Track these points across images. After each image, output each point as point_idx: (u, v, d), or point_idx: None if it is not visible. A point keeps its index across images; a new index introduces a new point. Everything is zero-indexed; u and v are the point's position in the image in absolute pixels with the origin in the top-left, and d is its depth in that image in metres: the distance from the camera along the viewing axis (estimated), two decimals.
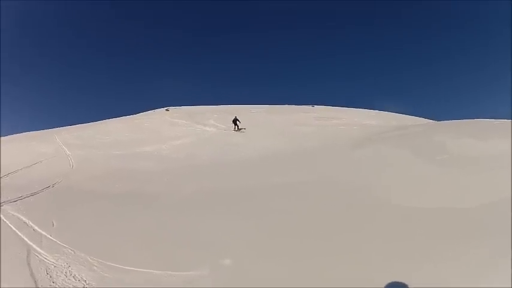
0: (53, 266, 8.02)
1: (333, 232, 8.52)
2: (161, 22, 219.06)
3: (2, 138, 42.67)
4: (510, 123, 15.59)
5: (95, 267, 7.91)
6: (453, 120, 22.43)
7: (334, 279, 6.52)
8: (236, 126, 33.48)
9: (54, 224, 11.17)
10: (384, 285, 5.93)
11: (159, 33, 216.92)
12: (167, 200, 13.74)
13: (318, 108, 50.00)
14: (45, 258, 8.49)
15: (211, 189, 14.67)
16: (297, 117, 38.57)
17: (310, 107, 51.35)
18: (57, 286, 7.12)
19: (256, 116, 40.54)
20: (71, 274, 7.62)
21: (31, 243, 9.51)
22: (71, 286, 7.11)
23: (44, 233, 10.36)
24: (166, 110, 51.54)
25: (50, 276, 7.52)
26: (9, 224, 11.33)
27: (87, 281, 7.30)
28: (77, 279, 7.38)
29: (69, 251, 8.89)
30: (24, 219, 11.73)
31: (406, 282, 5.85)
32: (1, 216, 12.25)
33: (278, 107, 51.23)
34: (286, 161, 19.60)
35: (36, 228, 10.84)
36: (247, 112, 43.22)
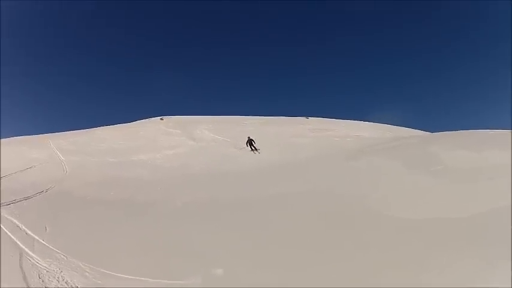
0: (45, 271, 8.00)
1: (327, 243, 8.51)
2: (156, 32, 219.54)
3: None
4: (507, 133, 15.65)
5: (87, 274, 7.89)
6: (447, 132, 22.52)
7: None
8: (252, 147, 29.10)
9: (47, 228, 11.15)
10: None
11: (155, 43, 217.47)
12: (161, 209, 13.78)
13: (313, 119, 50.03)
14: (38, 263, 8.48)
15: (205, 199, 14.64)
16: (291, 129, 38.58)
17: (304, 118, 51.38)
18: None
19: (251, 127, 40.50)
20: (63, 279, 7.61)
21: (23, 247, 9.51)
22: None
23: (36, 237, 10.34)
24: (161, 119, 51.41)
25: (43, 281, 7.52)
26: (2, 227, 11.31)
27: (79, 287, 7.30)
28: (69, 285, 7.37)
29: (62, 256, 8.87)
30: (17, 222, 11.73)
31: None
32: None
33: (272, 119, 51.20)
34: (281, 172, 19.60)
35: (29, 232, 10.84)
36: (241, 123, 43.26)
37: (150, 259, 8.67)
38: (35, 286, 7.30)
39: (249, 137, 30.10)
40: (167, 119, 51.20)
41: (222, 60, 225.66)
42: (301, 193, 13.30)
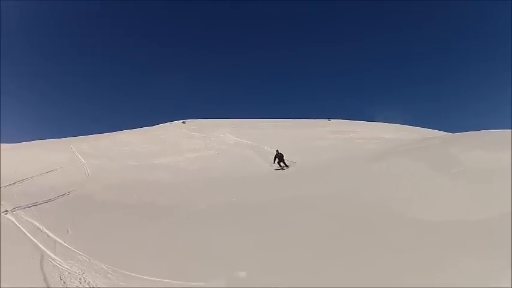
0: (67, 273, 7.94)
1: (348, 246, 8.33)
2: (178, 37, 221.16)
3: (15, 145, 43.03)
4: None
5: (110, 275, 7.83)
6: (468, 132, 22.16)
7: None
8: (282, 163, 24.25)
9: (69, 231, 11.16)
10: None
11: (175, 48, 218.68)
12: (182, 212, 13.69)
13: (334, 122, 49.78)
14: (59, 264, 8.42)
15: (227, 202, 14.59)
16: (312, 131, 38.43)
17: (326, 120, 51.15)
18: None
19: (271, 130, 40.35)
20: (85, 281, 7.54)
21: (45, 249, 9.46)
22: None
23: (58, 239, 10.32)
24: (183, 122, 51.62)
25: (64, 282, 7.44)
26: (23, 229, 11.37)
27: None
28: (91, 286, 7.29)
29: (84, 258, 8.83)
30: (38, 225, 11.74)
31: None
32: (13, 220, 12.30)
33: (293, 121, 51.09)
34: (302, 175, 19.50)
35: (50, 234, 10.82)
36: (262, 126, 43.15)
37: (172, 261, 8.62)
38: (56, 287, 7.23)
39: (277, 152, 24.66)
40: (189, 122, 51.38)
41: (240, 64, 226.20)
42: (322, 196, 13.10)
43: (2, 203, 14.49)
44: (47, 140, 47.41)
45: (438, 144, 19.46)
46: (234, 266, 7.87)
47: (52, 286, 7.27)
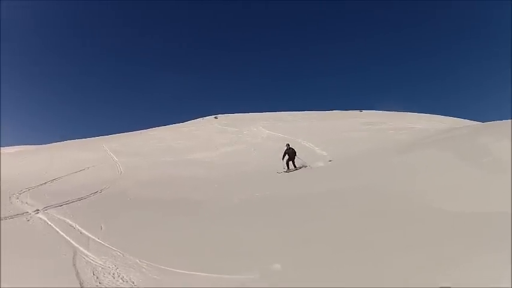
0: (100, 268, 7.90)
1: (379, 240, 8.20)
2: (211, 39, 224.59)
3: (44, 145, 43.82)
4: None
5: (144, 270, 7.76)
6: (498, 121, 21.58)
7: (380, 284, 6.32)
8: (291, 162, 21.24)
9: (102, 227, 11.23)
10: None
11: (208, 50, 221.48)
12: (216, 207, 13.71)
13: (366, 113, 49.36)
14: (93, 260, 8.40)
15: (259, 196, 14.53)
16: (344, 123, 38.03)
17: (358, 112, 50.80)
18: (103, 286, 6.98)
19: (304, 122, 40.14)
20: (118, 275, 7.49)
21: (78, 246, 9.49)
22: (117, 287, 6.97)
23: (91, 236, 10.36)
24: (215, 117, 51.92)
25: (97, 277, 7.38)
26: (55, 227, 11.47)
27: (135, 283, 7.15)
28: (125, 281, 7.23)
29: (118, 253, 8.81)
30: (70, 222, 11.87)
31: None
32: (45, 219, 12.49)
33: (325, 113, 50.86)
34: (334, 168, 19.27)
35: (83, 231, 10.89)
36: (294, 119, 43.00)
37: (205, 255, 8.51)
38: (88, 282, 7.13)
39: (288, 147, 21.73)
40: (221, 117, 51.57)
41: (270, 59, 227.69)
42: (353, 189, 12.82)
43: (32, 202, 14.76)
44: (77, 140, 48.10)
45: (466, 134, 18.97)
46: (267, 259, 7.64)
47: (85, 281, 7.22)
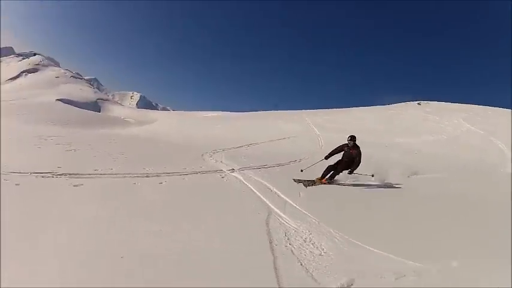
0: (293, 231, 7.91)
1: None
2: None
3: (246, 113, 46.00)
4: None
5: (336, 240, 7.51)
6: None
7: None
8: (338, 170, 14.00)
9: (301, 194, 11.29)
10: None
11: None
12: (415, 194, 13.24)
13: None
14: (286, 223, 8.45)
15: (456, 193, 13.71)
16: None
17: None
18: (293, 248, 6.92)
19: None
20: (310, 241, 7.37)
21: (273, 207, 9.62)
22: (307, 251, 6.84)
23: (288, 200, 10.42)
24: (418, 103, 50.18)
25: (288, 238, 7.40)
26: (250, 186, 11.81)
27: (324, 250, 6.94)
28: (316, 247, 7.05)
29: (313, 220, 8.73)
30: (267, 184, 12.09)
31: None
32: (240, 178, 12.96)
33: None
34: None
35: (280, 194, 10.98)
36: (491, 114, 39.77)
37: (401, 238, 8.06)
38: (278, 242, 7.20)
39: (351, 140, 14.10)
40: (424, 104, 49.83)
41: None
42: None
43: (227, 162, 15.51)
44: (281, 111, 49.94)
45: None
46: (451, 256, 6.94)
47: (274, 240, 7.32)
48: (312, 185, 13.15)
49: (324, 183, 13.48)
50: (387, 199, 12.30)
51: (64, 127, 32.31)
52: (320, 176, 13.90)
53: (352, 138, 14.03)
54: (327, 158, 14.11)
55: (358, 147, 13.92)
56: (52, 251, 5.90)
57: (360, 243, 7.35)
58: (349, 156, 13.82)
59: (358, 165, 13.68)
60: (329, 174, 13.90)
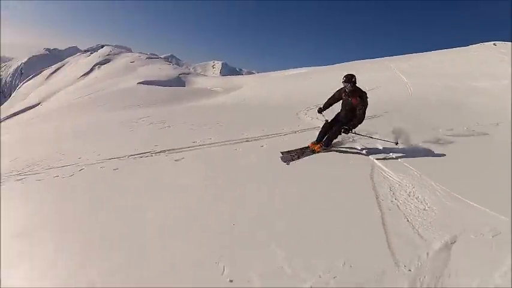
0: (397, 185, 8.31)
1: None
2: None
3: (330, 66, 45.56)
4: None
5: (438, 193, 7.86)
6: None
7: None
8: (336, 132, 10.66)
9: (399, 145, 11.17)
10: None
11: None
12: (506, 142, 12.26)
13: None
14: (390, 176, 8.84)
15: None
16: None
17: None
18: (398, 203, 7.37)
19: None
20: (414, 195, 7.79)
21: (375, 161, 9.99)
22: (412, 205, 7.27)
23: (391, 154, 10.68)
24: (494, 44, 48.24)
25: (393, 193, 7.82)
26: (350, 139, 11.92)
27: (428, 204, 7.34)
28: (420, 201, 7.49)
29: (415, 173, 9.02)
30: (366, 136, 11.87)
31: None
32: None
33: None
34: None
35: (379, 147, 11.28)
36: None
37: (493, 191, 8.09)
38: (385, 197, 7.66)
39: (351, 83, 10.24)
40: (499, 44, 47.86)
41: None
42: None
43: (322, 118, 15.22)
44: (364, 60, 49.17)
45: None
46: None
47: (381, 195, 7.77)
48: (301, 155, 10.41)
49: (318, 152, 10.65)
50: (477, 148, 11.94)
51: (152, 107, 32.76)
52: (317, 143, 10.93)
53: (348, 79, 10.12)
54: (320, 111, 11.07)
55: (361, 92, 10.25)
56: (172, 224, 6.53)
57: (460, 197, 7.65)
58: (349, 106, 10.49)
59: (361, 121, 10.39)
60: (325, 138, 10.79)
